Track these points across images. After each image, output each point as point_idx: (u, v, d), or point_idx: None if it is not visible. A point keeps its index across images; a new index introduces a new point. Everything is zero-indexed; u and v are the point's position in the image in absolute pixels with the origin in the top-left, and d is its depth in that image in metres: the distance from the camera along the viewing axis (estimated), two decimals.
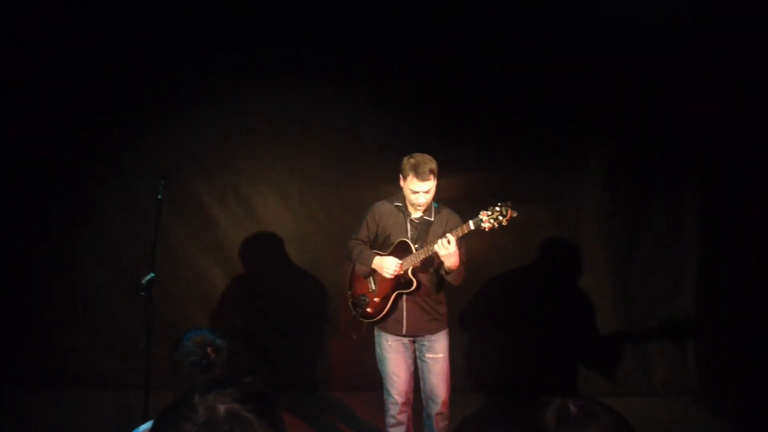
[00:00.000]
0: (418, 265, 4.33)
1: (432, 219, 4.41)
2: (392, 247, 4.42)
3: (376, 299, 4.46)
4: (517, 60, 5.67)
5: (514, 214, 4.06)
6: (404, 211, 4.45)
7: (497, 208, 4.06)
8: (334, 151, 5.95)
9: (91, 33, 5.65)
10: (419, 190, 4.25)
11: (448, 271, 4.26)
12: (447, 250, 4.08)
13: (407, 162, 4.26)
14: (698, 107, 5.72)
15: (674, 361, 6.02)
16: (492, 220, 4.05)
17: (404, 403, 4.48)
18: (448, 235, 4.11)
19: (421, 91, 5.75)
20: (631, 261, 5.99)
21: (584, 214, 5.97)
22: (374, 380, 4.71)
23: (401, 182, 4.34)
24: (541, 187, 5.88)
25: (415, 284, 4.35)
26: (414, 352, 4.55)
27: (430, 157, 4.27)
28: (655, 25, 5.46)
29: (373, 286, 4.49)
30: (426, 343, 4.48)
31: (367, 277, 4.53)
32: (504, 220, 4.05)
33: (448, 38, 5.64)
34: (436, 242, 4.12)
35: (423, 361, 4.51)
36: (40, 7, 5.55)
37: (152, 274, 4.21)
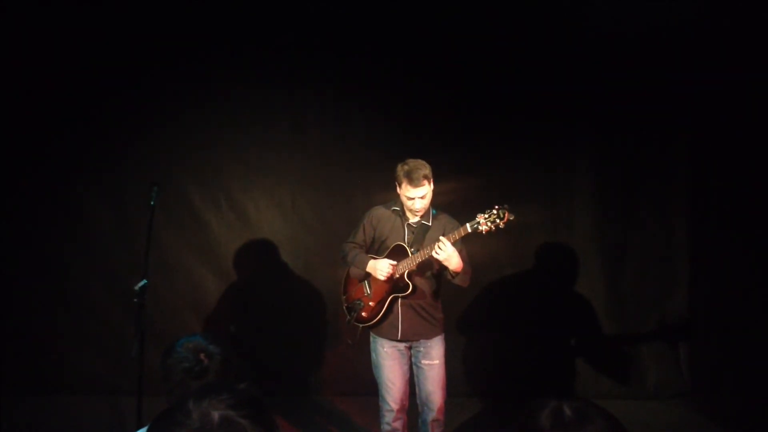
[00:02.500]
0: (414, 268, 4.32)
1: (430, 224, 4.41)
2: (388, 250, 4.43)
3: (371, 303, 4.45)
4: (509, 62, 5.70)
5: (511, 217, 4.07)
6: (401, 215, 4.45)
7: (494, 211, 4.07)
8: (327, 155, 5.95)
9: (82, 38, 5.64)
10: (414, 196, 4.26)
11: (454, 275, 4.26)
12: (445, 252, 4.09)
13: (401, 169, 4.28)
14: (688, 107, 5.75)
15: (667, 363, 6.03)
16: (489, 223, 4.07)
17: (399, 410, 4.46)
18: (441, 237, 4.12)
19: (413, 94, 5.76)
20: (623, 263, 6.01)
21: (576, 217, 5.98)
22: (368, 385, 4.70)
23: (398, 189, 4.35)
24: (533, 190, 5.89)
25: (410, 288, 4.34)
26: (410, 358, 4.53)
27: (424, 163, 4.28)
28: (646, 23, 5.48)
29: (368, 290, 4.48)
30: (422, 349, 4.47)
31: (362, 281, 4.52)
32: (501, 223, 4.06)
33: (439, 41, 5.66)
34: (432, 247, 4.13)
35: (419, 367, 4.49)
36: (34, 9, 5.53)
37: (145, 281, 4.19)
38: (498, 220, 4.06)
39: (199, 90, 5.83)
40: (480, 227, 4.08)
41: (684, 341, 6.01)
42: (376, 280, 4.42)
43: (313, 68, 5.78)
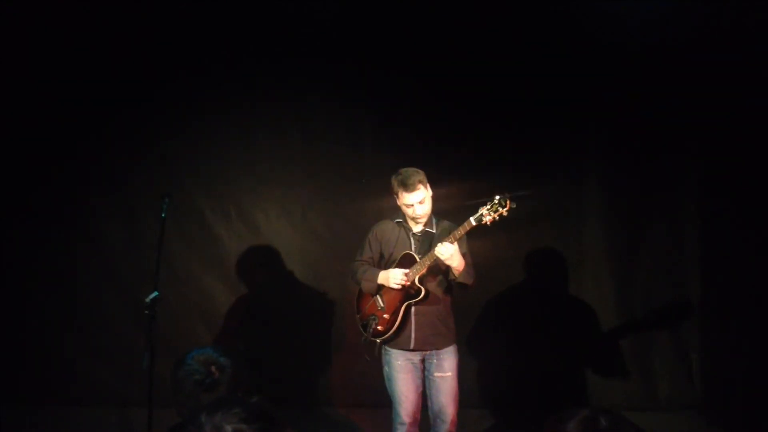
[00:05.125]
0: (424, 272, 4.33)
1: (434, 230, 4.44)
2: (397, 261, 4.43)
3: (385, 316, 4.43)
4: (517, 71, 5.69)
5: (513, 205, 4.12)
6: (405, 226, 4.48)
7: (495, 201, 4.13)
8: (336, 165, 5.96)
9: (92, 51, 5.67)
10: (412, 203, 4.30)
11: (457, 274, 4.28)
12: (448, 251, 4.12)
13: (395, 179, 4.33)
14: (697, 113, 5.72)
15: (678, 374, 5.99)
16: (492, 213, 4.12)
17: (412, 424, 4.44)
18: (442, 243, 4.16)
19: (423, 104, 5.76)
20: (633, 273, 5.97)
21: (585, 227, 5.95)
22: (380, 396, 4.68)
23: (397, 201, 4.40)
24: (542, 199, 5.87)
25: (423, 292, 4.35)
26: (423, 371, 4.52)
27: (416, 169, 4.33)
28: (655, 31, 5.48)
29: (381, 304, 4.47)
30: (435, 360, 4.46)
31: (374, 295, 4.51)
32: (503, 211, 4.12)
33: (450, 50, 5.65)
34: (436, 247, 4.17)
35: (431, 379, 4.48)
36: (43, 22, 5.57)
37: (156, 293, 4.20)
38: (500, 209, 4.11)
39: (208, 102, 5.84)
40: (484, 218, 4.13)
41: (696, 352, 5.97)
42: (387, 292, 4.42)
43: (323, 79, 5.78)
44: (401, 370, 4.45)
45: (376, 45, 5.71)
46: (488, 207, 4.13)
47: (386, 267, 4.49)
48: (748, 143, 5.38)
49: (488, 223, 4.14)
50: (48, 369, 5.89)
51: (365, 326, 4.50)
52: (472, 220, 4.16)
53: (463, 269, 4.29)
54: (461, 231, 4.18)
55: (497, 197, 4.13)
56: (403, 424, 4.43)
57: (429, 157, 5.57)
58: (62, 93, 5.74)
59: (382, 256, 4.56)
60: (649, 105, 5.72)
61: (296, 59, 5.76)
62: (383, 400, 4.61)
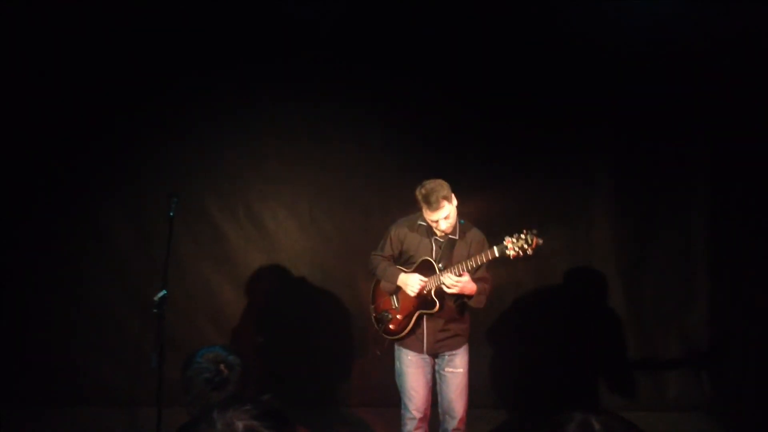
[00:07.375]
0: (441, 286, 4.26)
1: (456, 237, 4.35)
2: (415, 265, 4.39)
3: (398, 316, 4.42)
4: (526, 75, 5.68)
5: (540, 242, 3.97)
6: (428, 230, 4.39)
7: (522, 236, 3.97)
8: (344, 166, 5.95)
9: (100, 50, 5.68)
10: (437, 218, 4.21)
11: (469, 297, 4.27)
12: (453, 288, 4.09)
13: (419, 193, 4.20)
14: (707, 118, 5.71)
15: (687, 375, 5.98)
16: (517, 248, 3.96)
17: (421, 419, 4.44)
18: (445, 280, 4.12)
19: (429, 105, 5.75)
20: (643, 275, 5.95)
21: (594, 230, 5.93)
22: (390, 395, 4.69)
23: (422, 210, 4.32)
24: (550, 203, 5.85)
25: (437, 306, 4.30)
26: (434, 367, 4.51)
27: (441, 182, 4.20)
28: (663, 32, 5.47)
29: (396, 303, 4.46)
30: (446, 357, 4.45)
31: (391, 294, 4.49)
32: (529, 249, 3.96)
33: (458, 55, 5.65)
34: (445, 275, 4.13)
35: (442, 375, 4.47)
36: (50, 23, 5.59)
37: (164, 291, 4.21)
38: (526, 246, 3.96)
39: (217, 102, 5.84)
40: (507, 251, 3.98)
41: (704, 353, 5.96)
42: (404, 293, 4.40)
43: (332, 81, 5.78)
44: (412, 365, 4.44)
45: (383, 46, 5.70)
46: (514, 241, 3.97)
47: (405, 266, 4.45)
48: (757, 143, 5.36)
49: (511, 257, 3.99)
50: (56, 369, 5.90)
51: (378, 320, 4.49)
52: (495, 251, 4.03)
53: (475, 296, 4.23)
54: (482, 259, 4.07)
55: (524, 232, 3.98)
56: (412, 419, 4.43)
57: (435, 158, 5.58)
58: (71, 92, 5.75)
59: (401, 254, 4.50)
60: (657, 106, 5.70)
61: (305, 60, 5.75)
62: (395, 400, 4.61)
